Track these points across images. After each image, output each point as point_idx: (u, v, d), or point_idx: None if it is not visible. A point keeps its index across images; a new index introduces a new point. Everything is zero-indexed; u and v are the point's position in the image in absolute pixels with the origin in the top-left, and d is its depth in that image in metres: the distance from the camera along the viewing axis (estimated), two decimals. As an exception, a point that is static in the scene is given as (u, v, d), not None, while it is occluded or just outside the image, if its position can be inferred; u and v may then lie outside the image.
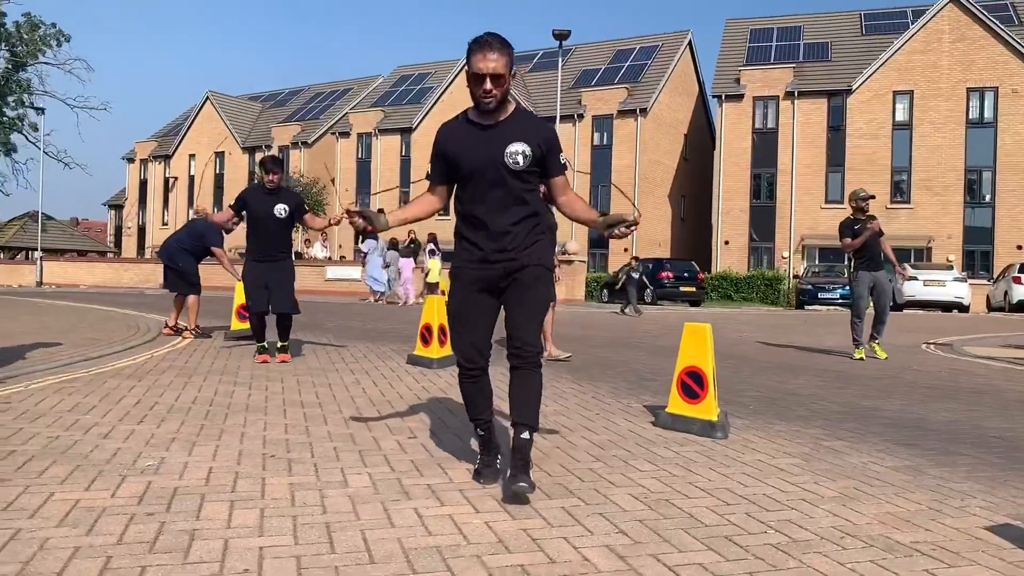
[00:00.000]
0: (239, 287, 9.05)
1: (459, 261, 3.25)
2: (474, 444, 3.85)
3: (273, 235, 6.80)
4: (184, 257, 8.94)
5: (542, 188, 3.34)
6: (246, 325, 8.84)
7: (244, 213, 6.91)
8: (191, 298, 8.91)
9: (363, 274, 20.97)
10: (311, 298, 20.20)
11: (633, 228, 3.18)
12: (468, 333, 3.21)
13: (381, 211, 3.36)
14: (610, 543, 2.53)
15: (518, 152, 3.09)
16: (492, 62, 3.01)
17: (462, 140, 3.17)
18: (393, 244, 20.12)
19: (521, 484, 2.92)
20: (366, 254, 20.46)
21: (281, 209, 6.75)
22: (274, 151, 45.73)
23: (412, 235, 22.32)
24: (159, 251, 9.52)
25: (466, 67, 3.08)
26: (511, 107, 3.16)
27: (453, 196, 3.33)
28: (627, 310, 17.65)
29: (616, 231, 3.16)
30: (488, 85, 3.02)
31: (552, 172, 3.21)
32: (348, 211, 3.29)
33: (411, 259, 20.55)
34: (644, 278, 19.40)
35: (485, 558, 2.38)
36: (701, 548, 2.50)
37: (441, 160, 3.24)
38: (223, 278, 9.85)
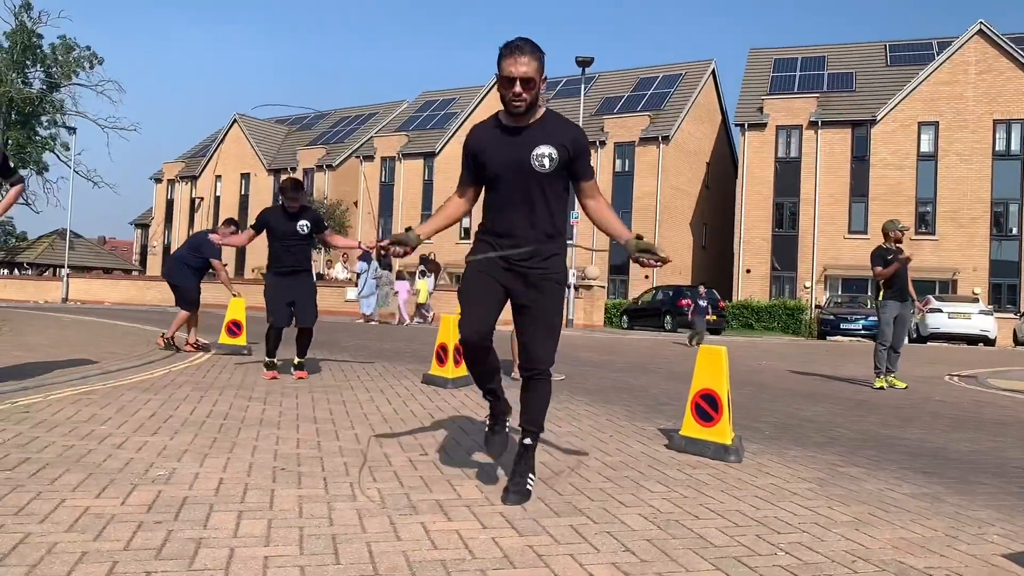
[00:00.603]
0: (233, 303, 9.09)
1: (473, 253, 3.26)
2: (482, 457, 3.84)
3: (295, 251, 6.90)
4: (183, 273, 8.98)
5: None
6: (235, 340, 8.85)
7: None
8: (181, 313, 8.97)
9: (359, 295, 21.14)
10: (331, 318, 20.31)
11: (660, 264, 3.19)
12: (473, 314, 3.19)
13: (408, 228, 3.38)
14: (616, 561, 2.50)
15: (544, 155, 3.10)
16: (523, 66, 3.03)
17: (491, 141, 3.19)
18: (387, 264, 20.26)
19: (513, 495, 3.12)
20: (359, 275, 20.63)
21: (303, 226, 6.84)
22: (299, 174, 46.26)
23: (432, 256, 22.40)
24: (163, 269, 9.64)
25: (497, 71, 3.09)
26: (541, 111, 3.18)
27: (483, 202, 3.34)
28: (694, 340, 16.46)
29: (643, 258, 3.15)
30: (518, 88, 3.04)
31: (580, 175, 3.22)
32: (381, 247, 3.34)
33: (406, 281, 20.75)
34: (710, 306, 18.25)
35: (489, 572, 2.36)
36: (709, 568, 2.47)
37: (470, 161, 3.27)
38: (220, 294, 9.96)
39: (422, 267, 21.19)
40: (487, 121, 3.29)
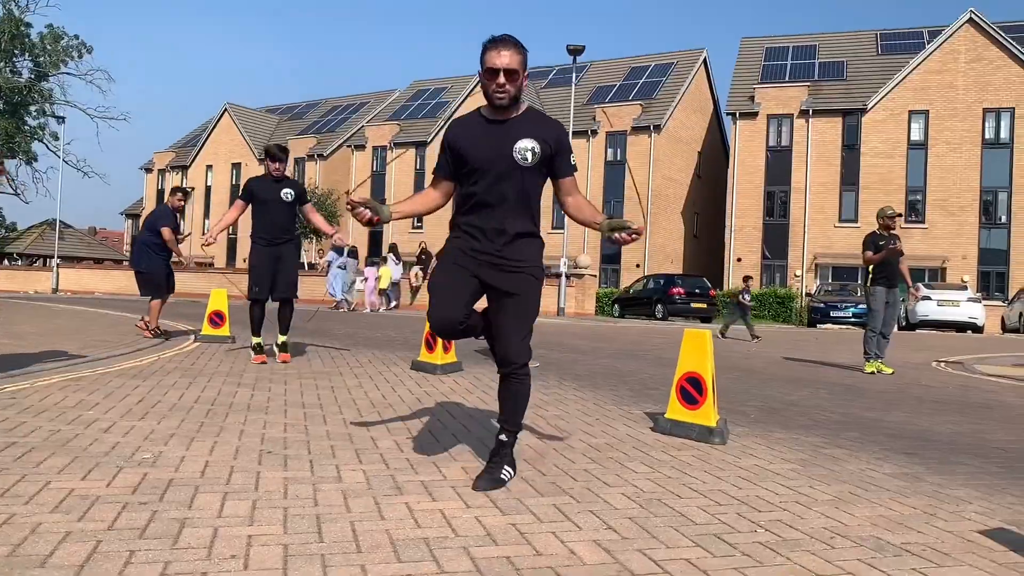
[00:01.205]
0: (214, 295, 9.00)
1: (447, 246, 3.26)
2: (468, 440, 3.86)
3: (280, 218, 6.94)
4: (148, 258, 8.89)
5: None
6: (218, 331, 8.77)
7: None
8: (153, 301, 8.90)
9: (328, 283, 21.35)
10: (323, 307, 20.30)
11: (635, 236, 3.17)
12: (443, 306, 3.16)
13: (383, 201, 3.40)
14: (598, 538, 2.53)
15: (527, 148, 3.10)
16: (506, 57, 3.05)
17: (472, 134, 3.19)
18: (352, 252, 20.54)
19: (483, 481, 3.10)
20: (330, 263, 20.82)
21: (287, 193, 6.91)
22: (290, 162, 46.06)
23: (423, 246, 22.45)
24: (130, 257, 9.52)
25: (480, 65, 3.10)
26: (523, 106, 3.19)
27: (457, 193, 3.32)
28: (755, 333, 15.31)
29: (616, 235, 3.16)
30: (502, 79, 3.05)
31: (561, 172, 3.22)
32: (351, 201, 3.28)
33: (375, 267, 21.05)
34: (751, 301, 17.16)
35: (471, 549, 2.38)
36: (689, 545, 2.50)
37: (449, 153, 3.26)
38: (198, 284, 9.87)
39: (390, 254, 21.50)
40: (468, 115, 3.28)
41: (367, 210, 3.26)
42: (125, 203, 62.40)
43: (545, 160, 3.15)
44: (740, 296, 16.06)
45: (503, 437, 3.26)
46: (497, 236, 3.14)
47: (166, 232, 8.91)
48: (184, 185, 51.80)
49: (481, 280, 3.18)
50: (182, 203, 9.30)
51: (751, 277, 18.46)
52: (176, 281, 9.49)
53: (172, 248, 9.04)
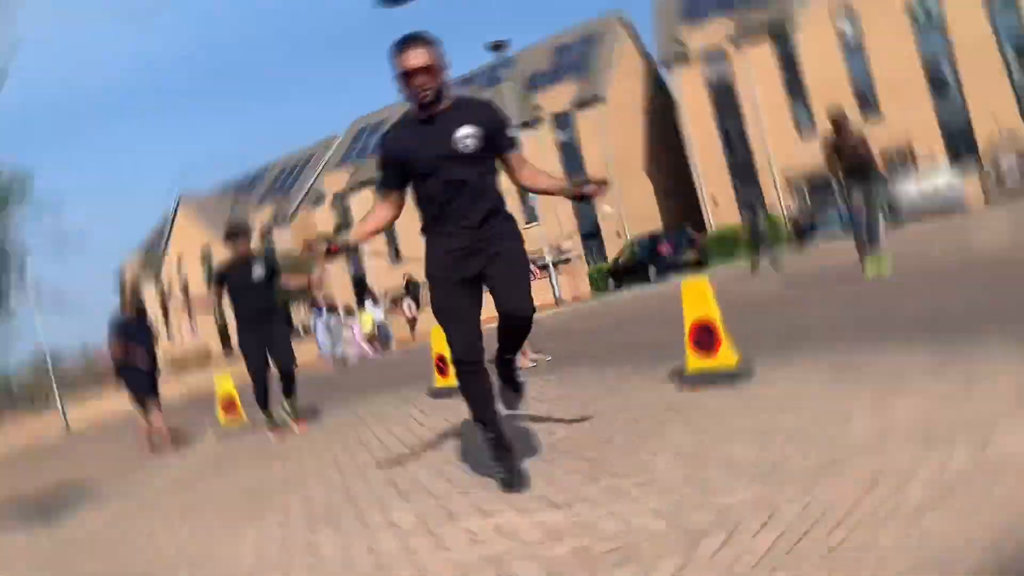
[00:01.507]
0: (219, 380, 8.87)
1: (432, 260, 3.24)
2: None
3: (259, 301, 6.74)
4: (125, 369, 8.56)
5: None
6: (233, 418, 8.53)
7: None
8: (152, 403, 8.57)
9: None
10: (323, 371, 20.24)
11: (603, 185, 3.20)
12: (459, 329, 3.18)
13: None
14: (656, 506, 2.53)
15: (467, 135, 3.08)
16: (416, 57, 3.02)
17: (409, 139, 3.16)
18: (331, 308, 20.37)
19: (508, 397, 3.49)
20: (317, 323, 20.77)
21: (259, 273, 6.69)
22: (256, 235, 45.84)
23: (407, 277, 22.45)
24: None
25: (395, 72, 3.06)
26: (450, 99, 3.16)
27: (414, 200, 3.28)
28: (757, 268, 14.90)
29: (585, 189, 3.17)
30: (420, 79, 3.02)
31: (503, 148, 3.20)
32: (305, 243, 3.34)
33: (354, 317, 20.98)
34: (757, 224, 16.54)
35: (539, 553, 2.38)
36: (746, 484, 2.50)
37: (391, 166, 3.24)
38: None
39: (367, 300, 21.52)
40: (398, 122, 3.26)
41: (321, 244, 3.30)
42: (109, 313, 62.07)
43: (488, 141, 3.12)
44: (753, 224, 15.88)
45: (509, 356, 3.42)
46: (467, 227, 3.13)
47: (108, 355, 8.56)
48: (160, 286, 51.57)
49: (475, 275, 3.17)
50: (134, 307, 8.93)
51: (763, 203, 18.12)
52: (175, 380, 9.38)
53: (118, 360, 8.50)
